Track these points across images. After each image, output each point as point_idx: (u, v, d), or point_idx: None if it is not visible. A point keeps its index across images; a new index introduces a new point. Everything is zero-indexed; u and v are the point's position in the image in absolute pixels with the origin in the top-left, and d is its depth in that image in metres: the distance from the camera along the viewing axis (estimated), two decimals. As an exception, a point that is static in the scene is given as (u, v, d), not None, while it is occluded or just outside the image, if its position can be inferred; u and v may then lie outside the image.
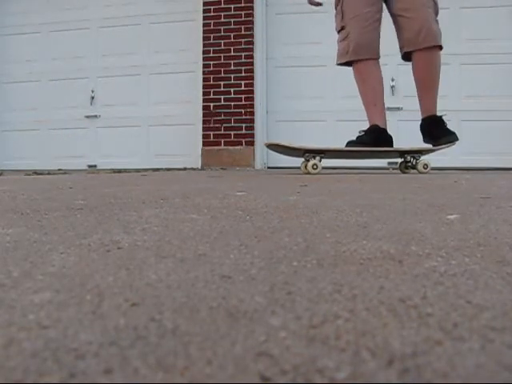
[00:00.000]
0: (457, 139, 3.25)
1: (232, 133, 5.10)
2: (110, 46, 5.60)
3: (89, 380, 0.32)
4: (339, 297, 0.48)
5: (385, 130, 3.23)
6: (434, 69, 3.21)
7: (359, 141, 3.19)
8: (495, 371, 0.32)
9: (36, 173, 3.52)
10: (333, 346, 0.36)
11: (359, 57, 3.25)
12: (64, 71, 5.72)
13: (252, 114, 5.10)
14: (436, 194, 1.52)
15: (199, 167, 5.13)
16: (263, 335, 0.39)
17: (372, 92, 3.31)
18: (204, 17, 5.21)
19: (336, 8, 3.33)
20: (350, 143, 3.20)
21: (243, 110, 5.10)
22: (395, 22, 3.23)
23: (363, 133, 3.23)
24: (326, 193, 1.58)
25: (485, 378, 0.32)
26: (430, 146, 3.27)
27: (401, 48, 3.25)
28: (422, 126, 3.29)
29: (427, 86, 3.24)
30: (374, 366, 0.33)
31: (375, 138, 3.17)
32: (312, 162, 2.97)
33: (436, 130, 3.22)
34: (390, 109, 4.93)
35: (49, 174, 3.48)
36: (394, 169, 4.58)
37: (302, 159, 3.09)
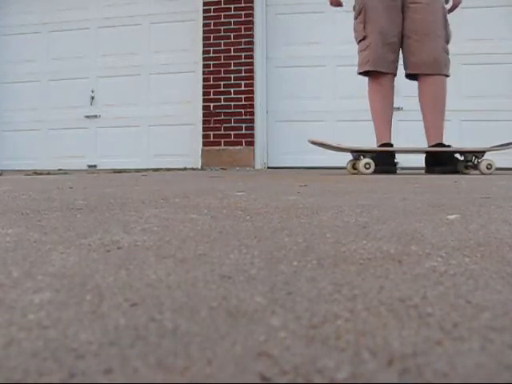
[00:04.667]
0: (454, 171, 3.14)
1: (232, 133, 5.10)
2: (110, 46, 5.60)
3: (89, 380, 0.32)
4: (339, 297, 0.48)
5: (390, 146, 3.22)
6: (439, 95, 3.20)
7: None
8: (495, 371, 0.32)
9: (36, 173, 3.52)
10: (333, 346, 0.36)
11: (378, 68, 3.23)
12: (64, 71, 5.71)
13: (252, 114, 5.10)
14: (436, 194, 1.52)
15: (199, 167, 5.13)
16: (263, 335, 0.39)
17: (389, 108, 3.28)
18: (204, 17, 5.21)
19: (357, 17, 3.32)
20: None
21: (243, 110, 5.10)
22: (403, 43, 3.24)
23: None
24: (326, 193, 1.58)
25: (485, 378, 0.32)
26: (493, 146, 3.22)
27: (405, 68, 3.27)
28: (426, 152, 3.25)
29: (431, 111, 3.22)
30: (373, 365, 0.33)
31: (385, 159, 3.11)
32: (365, 160, 2.88)
33: (440, 159, 3.15)
34: (389, 109, 4.94)
35: (49, 173, 3.48)
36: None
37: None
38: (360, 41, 3.32)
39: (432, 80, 3.19)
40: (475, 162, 3.01)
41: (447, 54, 3.21)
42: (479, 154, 3.02)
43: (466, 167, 3.09)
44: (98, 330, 0.40)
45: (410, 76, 3.28)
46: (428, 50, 3.15)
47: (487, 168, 2.95)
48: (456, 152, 3.13)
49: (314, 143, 3.27)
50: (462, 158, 3.14)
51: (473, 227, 0.87)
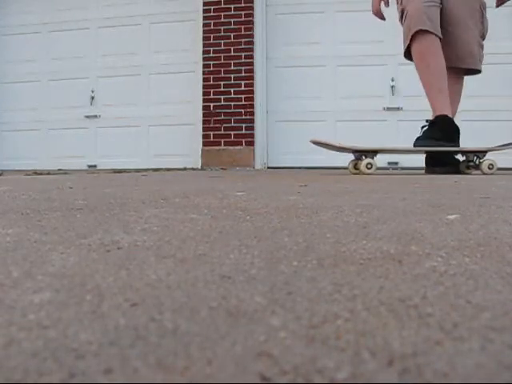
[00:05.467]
0: (456, 172, 3.06)
1: (232, 133, 5.11)
2: (110, 46, 5.60)
3: (89, 380, 0.32)
4: (339, 297, 0.48)
5: (453, 121, 2.96)
6: (459, 93, 3.14)
7: (426, 136, 2.92)
8: (495, 371, 0.32)
9: (36, 173, 3.52)
10: (333, 346, 0.36)
11: (421, 26, 2.90)
12: (64, 71, 5.72)
13: (252, 114, 5.10)
14: (436, 194, 1.52)
15: (199, 167, 5.13)
16: (263, 335, 0.39)
17: (438, 74, 2.94)
18: (204, 17, 5.22)
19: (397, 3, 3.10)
20: (418, 140, 2.94)
21: (243, 110, 5.11)
22: (446, 36, 3.04)
23: (428, 124, 2.95)
24: (326, 193, 1.58)
25: (485, 378, 0.32)
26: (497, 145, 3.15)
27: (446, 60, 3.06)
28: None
29: (453, 107, 3.10)
30: (374, 366, 0.33)
31: (445, 131, 2.90)
32: (367, 160, 2.85)
33: (443, 158, 3.07)
34: (390, 109, 4.95)
35: (49, 173, 3.48)
36: (393, 169, 4.58)
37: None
38: (401, 18, 3.07)
39: (458, 76, 3.07)
40: (477, 162, 2.97)
41: (482, 48, 3.08)
42: (481, 154, 2.98)
43: (468, 167, 3.05)
44: (98, 329, 0.40)
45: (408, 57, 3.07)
46: (461, 41, 3.02)
47: (489, 168, 2.92)
48: (458, 152, 3.07)
49: (315, 143, 3.23)
50: (463, 158, 3.09)
51: (473, 227, 0.87)
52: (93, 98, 5.63)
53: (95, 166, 5.53)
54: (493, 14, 4.90)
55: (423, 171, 3.20)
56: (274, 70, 5.24)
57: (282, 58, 5.24)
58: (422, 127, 2.97)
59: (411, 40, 2.96)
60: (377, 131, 4.93)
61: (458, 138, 2.98)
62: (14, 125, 5.83)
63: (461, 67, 3.07)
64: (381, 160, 4.65)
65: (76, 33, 5.70)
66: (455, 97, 3.13)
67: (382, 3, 3.19)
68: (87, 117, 5.63)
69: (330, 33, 5.13)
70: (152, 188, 1.84)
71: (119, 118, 5.54)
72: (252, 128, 5.10)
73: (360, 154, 2.95)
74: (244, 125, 5.10)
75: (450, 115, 2.94)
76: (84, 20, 5.68)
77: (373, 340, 0.38)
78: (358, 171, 2.90)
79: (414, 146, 2.95)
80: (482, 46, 3.10)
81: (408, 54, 3.06)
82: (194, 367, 0.33)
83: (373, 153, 2.95)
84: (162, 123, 5.44)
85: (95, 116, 5.62)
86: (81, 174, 3.30)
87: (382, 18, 3.21)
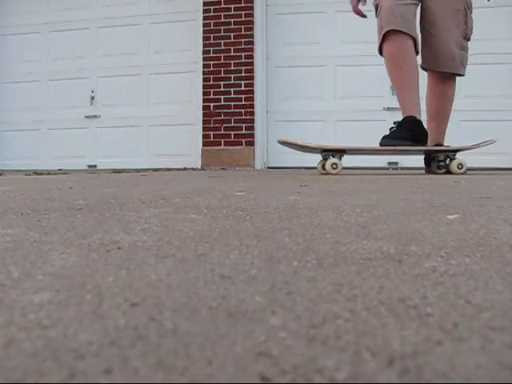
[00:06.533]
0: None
1: (232, 133, 5.11)
2: (110, 46, 5.60)
3: (89, 380, 0.32)
4: (339, 297, 0.48)
5: (421, 122, 2.91)
6: (448, 96, 3.02)
7: (394, 135, 2.86)
8: (495, 371, 0.32)
9: (36, 173, 3.52)
10: (333, 346, 0.36)
11: (392, 26, 2.83)
12: (64, 71, 5.72)
13: (252, 114, 5.10)
14: (436, 194, 1.52)
15: (199, 167, 5.13)
16: (263, 335, 0.39)
17: (409, 76, 2.88)
18: (204, 17, 5.22)
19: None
20: (385, 138, 2.88)
21: (243, 110, 5.11)
22: (422, 37, 3.00)
23: (397, 125, 2.91)
24: (326, 193, 1.58)
25: (485, 378, 0.32)
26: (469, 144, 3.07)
27: (421, 57, 3.03)
28: (426, 155, 3.07)
29: (436, 112, 3.04)
30: (374, 366, 0.33)
31: (412, 131, 2.85)
32: (332, 160, 2.80)
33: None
34: (389, 109, 4.95)
35: (49, 174, 3.48)
36: (393, 169, 4.58)
37: (318, 159, 2.91)
38: (376, 12, 2.98)
39: (444, 78, 2.98)
40: (447, 162, 2.92)
41: (465, 51, 2.96)
42: (451, 153, 2.92)
43: (439, 167, 2.99)
44: (98, 330, 0.40)
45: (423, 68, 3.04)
46: (441, 44, 2.91)
47: (458, 168, 2.86)
48: (427, 151, 3.00)
49: (282, 143, 3.17)
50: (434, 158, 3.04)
51: (473, 227, 0.87)
52: (93, 97, 5.63)
53: (95, 166, 5.53)
54: (491, 14, 4.92)
55: (423, 171, 3.20)
56: (274, 69, 5.24)
57: (282, 58, 5.24)
58: (391, 129, 2.93)
59: (383, 39, 2.90)
60: (377, 131, 4.91)
61: (426, 141, 2.93)
62: (14, 125, 5.83)
63: (441, 71, 2.98)
64: (381, 160, 4.67)
65: (76, 33, 5.70)
66: (438, 96, 3.04)
67: (360, 2, 3.13)
68: (87, 117, 5.63)
69: (330, 33, 5.13)
70: (152, 188, 1.84)
71: (119, 118, 5.54)
72: (252, 128, 5.10)
73: (327, 153, 2.88)
74: (244, 125, 5.10)
75: (419, 117, 2.90)
76: (84, 20, 5.68)
77: (373, 340, 0.38)
78: (326, 171, 2.85)
79: (380, 144, 2.89)
80: (464, 48, 2.97)
81: (382, 51, 3.01)
82: (194, 367, 0.33)
83: (340, 152, 2.88)
84: (162, 123, 5.44)
85: (95, 116, 5.62)
86: (81, 174, 3.31)
87: (363, 15, 3.14)
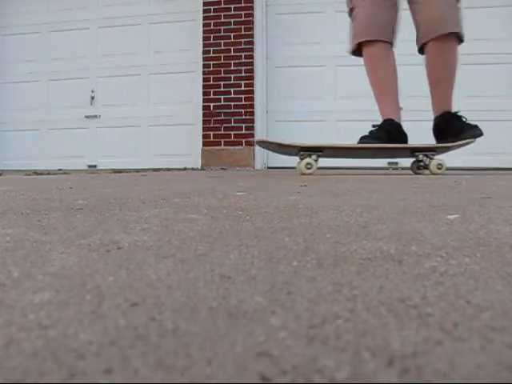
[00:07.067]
0: (481, 133, 2.86)
1: (232, 133, 5.11)
2: (110, 46, 5.60)
3: (89, 380, 0.32)
4: (339, 297, 0.48)
5: (400, 126, 2.91)
6: (447, 61, 2.84)
7: (373, 136, 2.85)
8: (495, 371, 0.32)
9: (36, 173, 3.52)
10: (333, 346, 0.36)
11: (367, 37, 2.86)
12: (64, 71, 5.72)
13: (252, 114, 5.10)
14: (436, 194, 1.52)
15: (199, 167, 5.13)
16: (263, 335, 0.39)
17: (383, 82, 2.92)
18: (204, 17, 5.22)
19: None
20: (364, 138, 2.86)
21: (243, 110, 5.11)
22: (411, 11, 2.88)
23: (376, 128, 2.89)
24: (326, 193, 1.58)
25: (485, 378, 0.32)
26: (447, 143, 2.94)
27: (416, 41, 2.91)
28: (436, 125, 2.95)
29: (438, 81, 2.88)
30: (373, 366, 0.33)
31: (391, 133, 2.84)
32: (306, 160, 2.76)
33: (455, 125, 2.86)
34: (390, 109, 4.94)
35: (49, 174, 3.48)
36: (393, 169, 4.58)
37: (298, 158, 2.85)
38: (349, 15, 2.99)
39: (439, 43, 2.79)
40: (427, 162, 2.86)
41: (455, 10, 2.80)
42: (430, 152, 2.86)
43: (419, 167, 2.95)
44: (98, 330, 0.40)
45: (422, 50, 2.90)
46: (431, 7, 2.76)
47: (437, 168, 2.81)
48: (405, 149, 2.94)
49: (259, 143, 3.11)
50: (413, 159, 3.00)
51: (473, 227, 0.87)
52: (93, 98, 5.63)
53: (95, 166, 5.53)
54: (491, 14, 4.92)
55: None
56: (274, 69, 5.24)
57: (282, 58, 5.24)
58: (370, 131, 2.90)
59: (361, 44, 2.92)
60: (377, 131, 4.92)
61: (405, 143, 2.89)
62: (14, 125, 5.83)
63: (435, 36, 2.78)
64: (381, 160, 4.67)
65: (76, 33, 5.70)
66: (438, 63, 2.87)
67: None
68: (87, 117, 5.63)
69: (330, 33, 5.13)
70: (152, 188, 1.84)
71: (119, 118, 5.54)
72: (252, 128, 5.10)
73: (303, 153, 2.81)
74: (244, 125, 5.11)
75: (399, 120, 2.89)
76: (84, 20, 5.69)
77: (373, 340, 0.38)
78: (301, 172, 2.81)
79: (358, 143, 2.86)
80: (455, 8, 2.79)
81: (353, 53, 3.02)
82: (194, 367, 0.33)
83: (316, 152, 2.81)
84: (162, 123, 5.44)
85: (95, 116, 5.62)
86: (81, 174, 3.31)
87: None
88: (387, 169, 4.53)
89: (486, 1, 4.91)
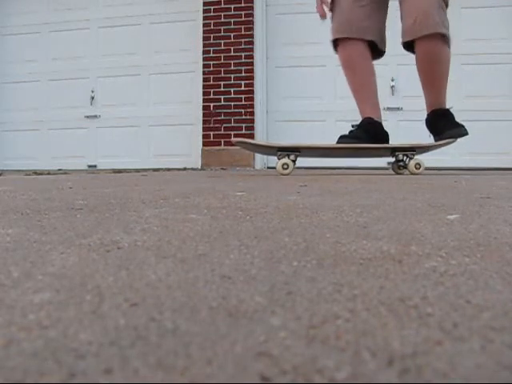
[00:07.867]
0: (465, 133, 2.87)
1: (232, 133, 5.11)
2: (110, 46, 5.60)
3: (89, 380, 0.32)
4: (339, 297, 0.48)
5: (380, 124, 2.89)
6: (437, 60, 2.78)
7: (352, 136, 2.85)
8: (495, 371, 0.32)
9: (36, 173, 3.52)
10: (333, 346, 0.36)
11: (342, 34, 2.85)
12: (64, 71, 5.72)
13: (252, 114, 5.10)
14: (436, 194, 1.52)
15: (199, 167, 5.13)
16: (263, 335, 0.39)
17: (361, 80, 2.89)
18: (204, 17, 5.22)
19: None
20: (342, 138, 2.85)
21: (243, 110, 5.11)
22: (400, 10, 2.84)
23: (356, 127, 2.88)
24: (326, 193, 1.58)
25: (485, 378, 0.32)
26: (425, 142, 2.93)
27: (402, 37, 2.85)
28: (427, 122, 2.93)
29: (429, 79, 2.84)
30: (373, 365, 0.33)
31: (370, 132, 2.82)
32: (283, 160, 2.74)
33: (440, 123, 2.85)
34: (390, 109, 4.95)
35: (49, 173, 3.48)
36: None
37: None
38: (331, 12, 2.95)
39: (427, 43, 2.73)
40: (406, 162, 2.85)
41: (443, 12, 2.74)
42: (410, 152, 2.83)
43: (399, 167, 2.94)
44: (98, 330, 0.40)
45: (407, 47, 2.85)
46: (418, 6, 2.69)
47: (416, 168, 2.79)
48: (382, 149, 2.92)
49: (237, 143, 3.10)
50: (394, 159, 2.98)
51: (473, 227, 0.87)
52: (93, 98, 5.63)
53: (95, 166, 5.53)
54: (491, 14, 4.92)
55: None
56: (274, 69, 5.24)
57: (282, 57, 5.24)
58: (350, 131, 2.89)
59: (337, 43, 2.92)
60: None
61: (386, 142, 2.86)
62: (14, 125, 5.83)
63: (422, 35, 2.71)
64: (381, 160, 4.66)
65: (76, 33, 5.70)
66: (427, 61, 2.80)
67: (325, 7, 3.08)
68: (87, 117, 5.63)
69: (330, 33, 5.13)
70: (152, 188, 1.84)
71: (119, 118, 5.54)
72: (252, 128, 5.10)
73: (281, 153, 2.80)
74: (244, 125, 5.10)
75: (378, 119, 2.86)
76: (84, 20, 5.69)
77: (373, 340, 0.38)
78: (279, 172, 2.78)
79: (337, 143, 2.85)
80: (442, 9, 2.74)
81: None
82: (194, 367, 0.33)
83: (294, 152, 2.80)
84: (162, 123, 5.44)
85: (95, 116, 5.62)
86: (81, 174, 3.31)
87: (325, 16, 3.10)
88: (387, 169, 4.53)
89: (485, 1, 4.91)
